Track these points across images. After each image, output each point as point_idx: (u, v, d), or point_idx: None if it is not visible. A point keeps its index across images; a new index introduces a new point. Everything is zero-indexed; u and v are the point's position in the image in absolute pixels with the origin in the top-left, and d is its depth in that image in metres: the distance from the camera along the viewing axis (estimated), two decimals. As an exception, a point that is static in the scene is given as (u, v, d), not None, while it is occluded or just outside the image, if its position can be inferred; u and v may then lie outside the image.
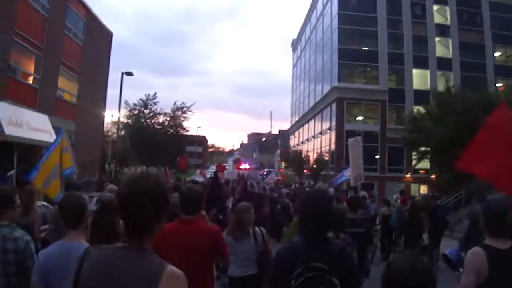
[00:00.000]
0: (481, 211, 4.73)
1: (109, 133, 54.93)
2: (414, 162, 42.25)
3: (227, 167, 47.14)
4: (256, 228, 6.99)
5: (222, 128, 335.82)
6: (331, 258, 3.56)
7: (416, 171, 51.82)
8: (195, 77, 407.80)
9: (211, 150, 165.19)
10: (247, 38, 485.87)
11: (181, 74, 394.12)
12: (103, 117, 38.40)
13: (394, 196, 21.95)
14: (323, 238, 3.80)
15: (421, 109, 38.94)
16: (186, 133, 52.69)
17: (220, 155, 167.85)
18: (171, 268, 2.47)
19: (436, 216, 14.72)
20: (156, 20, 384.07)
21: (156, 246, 3.22)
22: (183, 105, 49.26)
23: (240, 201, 9.52)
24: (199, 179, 30.31)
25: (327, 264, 3.47)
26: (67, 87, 30.92)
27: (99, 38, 35.11)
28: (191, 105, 49.85)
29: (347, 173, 20.84)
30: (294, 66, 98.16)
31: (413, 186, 51.96)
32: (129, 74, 36.89)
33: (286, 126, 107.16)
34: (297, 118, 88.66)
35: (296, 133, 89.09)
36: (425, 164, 50.78)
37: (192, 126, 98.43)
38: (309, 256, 3.54)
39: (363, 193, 18.22)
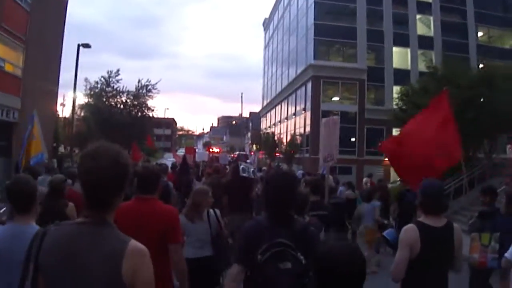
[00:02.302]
0: (418, 191, 4.98)
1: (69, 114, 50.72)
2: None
3: (196, 150, 44.27)
4: (211, 211, 7.07)
5: (192, 111, 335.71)
6: (295, 235, 3.74)
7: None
8: (165, 60, 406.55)
9: (180, 133, 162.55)
10: (218, 21, 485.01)
11: (152, 57, 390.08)
12: (56, 94, 34.26)
13: (364, 179, 21.99)
14: (287, 216, 3.95)
15: (408, 87, 35.80)
16: (152, 115, 49.04)
17: (190, 138, 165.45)
18: (135, 243, 2.47)
19: (404, 201, 14.10)
20: (128, 3, 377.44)
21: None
22: (148, 83, 45.70)
23: (232, 184, 12.01)
24: (171, 160, 30.46)
25: (292, 240, 3.65)
26: (9, 57, 26.24)
27: (51, 4, 30.75)
28: (156, 83, 46.19)
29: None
30: (266, 46, 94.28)
31: (392, 170, 48.75)
32: (86, 46, 32.68)
33: (257, 109, 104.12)
34: (269, 100, 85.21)
35: (268, 115, 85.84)
36: None
37: (161, 108, 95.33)
38: (274, 232, 3.73)
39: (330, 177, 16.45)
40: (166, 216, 5.13)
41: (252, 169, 13.17)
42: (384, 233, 6.56)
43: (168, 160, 34.84)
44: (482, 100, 25.15)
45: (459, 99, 22.21)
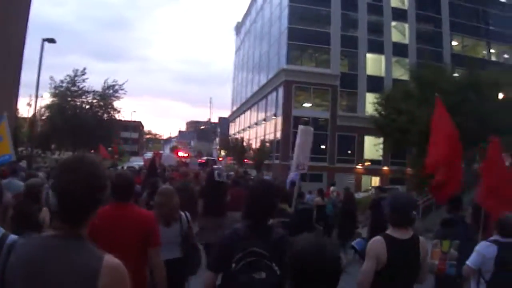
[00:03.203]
0: (386, 204, 5.03)
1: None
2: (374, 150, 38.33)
3: (162, 153, 43.28)
4: (182, 213, 6.88)
5: (160, 115, 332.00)
6: (271, 244, 3.73)
7: (368, 161, 49.80)
8: (134, 63, 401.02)
9: (147, 136, 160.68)
10: (189, 25, 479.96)
11: (121, 60, 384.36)
12: (17, 92, 32.40)
13: (331, 188, 21.70)
14: (265, 225, 4.02)
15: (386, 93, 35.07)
16: (119, 118, 47.53)
17: (157, 142, 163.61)
18: (110, 259, 2.36)
19: (378, 209, 13.16)
20: (99, 4, 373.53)
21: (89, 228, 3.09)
22: (114, 83, 44.16)
23: (207, 189, 12.42)
24: (137, 163, 29.96)
25: (268, 250, 3.66)
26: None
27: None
28: (123, 84, 44.87)
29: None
30: (237, 50, 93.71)
31: (365, 178, 49.78)
32: (51, 41, 31.09)
33: (226, 114, 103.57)
34: (238, 105, 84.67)
35: (237, 121, 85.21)
36: (377, 154, 49.05)
37: (128, 111, 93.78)
38: (250, 241, 3.74)
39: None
40: (145, 220, 5.10)
41: (225, 174, 13.73)
42: (353, 243, 6.96)
43: (135, 163, 34.14)
44: (468, 105, 24.02)
45: (444, 104, 20.88)
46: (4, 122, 11.37)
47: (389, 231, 4.84)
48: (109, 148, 42.17)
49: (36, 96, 31.94)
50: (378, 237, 4.85)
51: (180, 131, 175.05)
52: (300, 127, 13.25)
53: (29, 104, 53.21)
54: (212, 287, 4.01)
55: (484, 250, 5.92)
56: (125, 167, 24.57)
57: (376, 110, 35.25)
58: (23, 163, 22.28)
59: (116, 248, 4.05)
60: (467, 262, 6.00)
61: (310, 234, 2.75)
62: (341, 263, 2.58)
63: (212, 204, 12.00)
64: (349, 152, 50.83)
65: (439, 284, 7.99)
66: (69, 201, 2.35)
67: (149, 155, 45.74)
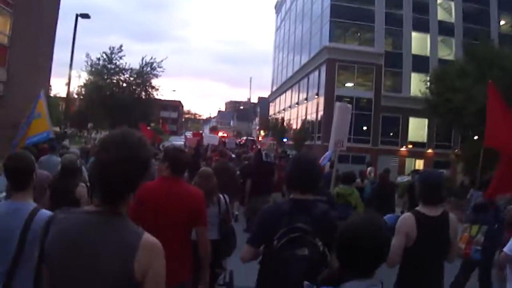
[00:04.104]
0: (417, 180, 5.19)
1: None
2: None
3: (203, 133, 42.51)
4: (220, 196, 7.06)
5: (199, 95, 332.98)
6: (314, 219, 3.70)
7: (412, 144, 48.44)
8: (173, 43, 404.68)
9: (186, 116, 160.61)
10: (227, 4, 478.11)
11: (159, 40, 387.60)
12: (50, 69, 31.56)
13: (368, 169, 21.00)
14: (308, 200, 3.93)
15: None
16: (158, 96, 46.68)
17: (196, 122, 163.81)
18: (148, 237, 2.38)
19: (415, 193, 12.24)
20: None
21: (138, 202, 3.90)
22: (152, 61, 43.14)
23: (255, 169, 13.51)
24: (177, 143, 29.91)
25: (311, 226, 3.62)
26: (-6, 22, 23.89)
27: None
28: (161, 61, 43.94)
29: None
30: (278, 29, 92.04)
31: (408, 161, 48.43)
32: (85, 16, 30.20)
33: (266, 94, 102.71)
34: (278, 85, 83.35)
35: (277, 101, 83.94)
36: (422, 136, 47.39)
37: (166, 90, 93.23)
38: (293, 217, 3.69)
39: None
40: (195, 197, 5.11)
41: (272, 155, 14.70)
42: (385, 217, 6.26)
43: (174, 143, 33.43)
44: None
45: (503, 83, 20.38)
46: (42, 99, 11.29)
47: (419, 208, 4.86)
48: (149, 128, 41.53)
49: (70, 73, 31.44)
50: (408, 214, 4.94)
51: (219, 111, 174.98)
52: (337, 104, 13.46)
53: (67, 84, 53.15)
54: (248, 261, 4.03)
55: None
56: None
57: (428, 88, 33.84)
58: (67, 142, 21.63)
59: (166, 224, 4.56)
60: (504, 249, 5.92)
61: (359, 212, 2.88)
62: (387, 239, 2.65)
63: (260, 184, 12.80)
64: (393, 133, 49.51)
65: (464, 268, 8.42)
66: (110, 178, 2.33)
67: (189, 134, 45.09)
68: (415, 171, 18.86)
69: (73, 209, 2.55)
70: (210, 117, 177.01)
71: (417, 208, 4.89)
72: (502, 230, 8.00)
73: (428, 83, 33.90)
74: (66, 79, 46.76)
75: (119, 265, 2.26)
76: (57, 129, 35.69)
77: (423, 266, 4.68)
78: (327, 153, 15.55)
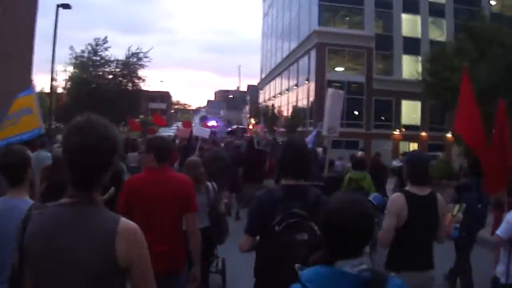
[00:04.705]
0: (404, 162, 5.46)
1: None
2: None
3: (193, 124, 42.05)
4: (208, 183, 7.16)
5: (188, 86, 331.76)
6: (309, 204, 3.74)
7: (405, 127, 48.46)
8: (159, 35, 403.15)
9: (176, 107, 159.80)
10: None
11: (145, 32, 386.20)
12: (31, 62, 30.75)
13: (359, 154, 18.72)
14: (301, 185, 3.97)
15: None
16: (145, 88, 46.10)
17: (186, 112, 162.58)
18: (126, 221, 2.38)
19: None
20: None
21: (128, 194, 4.69)
22: (138, 51, 42.33)
23: (247, 156, 13.99)
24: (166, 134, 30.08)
25: (307, 211, 3.66)
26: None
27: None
28: (147, 51, 43.19)
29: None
30: (265, 15, 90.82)
31: (402, 144, 48.03)
32: (66, 6, 29.36)
33: (255, 82, 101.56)
34: (267, 72, 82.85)
35: (267, 88, 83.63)
36: (415, 119, 46.95)
37: (154, 82, 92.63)
38: (288, 203, 3.73)
39: (319, 149, 18.14)
40: (184, 184, 5.17)
41: (264, 142, 14.93)
42: (371, 198, 7.08)
43: (164, 134, 33.22)
44: None
45: (503, 60, 20.36)
46: (33, 94, 10.77)
47: (409, 188, 4.98)
48: (137, 120, 40.91)
49: (52, 65, 30.79)
50: (398, 194, 5.04)
51: (209, 101, 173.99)
52: (329, 90, 13.53)
53: (54, 79, 52.26)
54: (248, 251, 4.02)
55: None
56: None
57: (425, 68, 32.81)
58: (60, 137, 21.13)
59: (156, 213, 4.70)
60: (497, 232, 6.05)
61: (342, 193, 2.99)
62: (373, 219, 2.62)
63: (252, 172, 13.19)
64: (386, 117, 49.46)
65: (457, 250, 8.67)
66: (78, 165, 2.34)
67: (179, 124, 44.59)
68: (406, 154, 18.31)
69: (48, 203, 2.48)
70: (199, 107, 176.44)
71: (406, 188, 5.03)
72: (485, 211, 8.63)
73: (424, 63, 33.03)
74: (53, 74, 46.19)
75: (100, 254, 2.24)
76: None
77: (414, 245, 4.80)
78: (309, 136, 16.25)
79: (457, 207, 7.96)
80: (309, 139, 16.48)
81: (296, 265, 3.01)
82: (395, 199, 4.92)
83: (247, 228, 4.06)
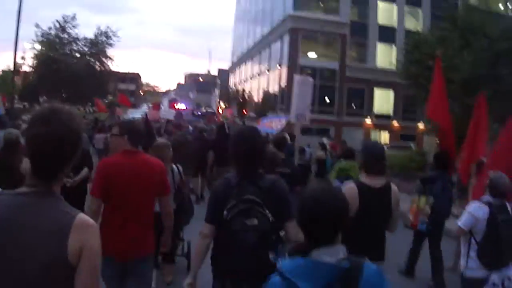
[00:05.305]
0: (360, 151, 5.37)
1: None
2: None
3: (161, 107, 42.07)
4: (173, 166, 7.38)
5: (158, 68, 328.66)
6: (263, 191, 3.82)
7: (377, 116, 48.36)
8: (132, 15, 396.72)
9: (146, 89, 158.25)
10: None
11: (118, 12, 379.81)
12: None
13: (324, 140, 21.26)
14: (255, 172, 4.02)
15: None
16: (115, 68, 45.22)
17: (155, 95, 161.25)
18: (82, 217, 2.32)
19: None
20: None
21: (104, 177, 4.70)
22: (106, 29, 41.40)
23: (218, 141, 13.78)
24: (134, 115, 29.38)
25: (259, 197, 3.76)
26: None
27: None
28: (117, 30, 42.54)
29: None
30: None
31: (374, 133, 48.32)
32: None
33: (226, 66, 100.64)
34: (239, 55, 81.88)
35: (237, 71, 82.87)
36: (388, 108, 46.75)
37: (124, 63, 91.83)
38: (241, 189, 3.83)
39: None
40: (158, 167, 5.23)
41: (233, 127, 15.11)
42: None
43: (131, 116, 32.74)
44: None
45: (488, 52, 20.19)
46: None
47: (363, 179, 5.08)
48: (106, 100, 40.15)
49: (16, 44, 29.64)
50: (351, 184, 5.07)
51: (178, 84, 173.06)
52: (296, 78, 13.92)
53: (22, 57, 50.89)
54: (209, 238, 4.06)
55: (475, 211, 5.89)
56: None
57: (406, 58, 31.83)
58: (26, 117, 20.39)
59: (133, 195, 4.78)
60: (458, 223, 6.06)
61: (317, 183, 2.99)
62: (345, 206, 2.68)
63: (223, 156, 12.61)
64: (358, 105, 49.42)
65: (415, 238, 8.82)
66: (40, 155, 2.28)
67: (149, 105, 44.16)
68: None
69: (5, 191, 2.37)
70: (169, 89, 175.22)
71: (360, 179, 5.11)
72: (450, 202, 8.66)
73: (403, 52, 32.43)
74: (21, 53, 44.81)
75: (53, 247, 2.17)
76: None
77: (365, 235, 4.75)
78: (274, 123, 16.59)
79: (423, 200, 8.21)
80: (274, 125, 16.93)
81: (271, 256, 3.47)
82: (347, 190, 4.82)
83: (206, 216, 4.11)
